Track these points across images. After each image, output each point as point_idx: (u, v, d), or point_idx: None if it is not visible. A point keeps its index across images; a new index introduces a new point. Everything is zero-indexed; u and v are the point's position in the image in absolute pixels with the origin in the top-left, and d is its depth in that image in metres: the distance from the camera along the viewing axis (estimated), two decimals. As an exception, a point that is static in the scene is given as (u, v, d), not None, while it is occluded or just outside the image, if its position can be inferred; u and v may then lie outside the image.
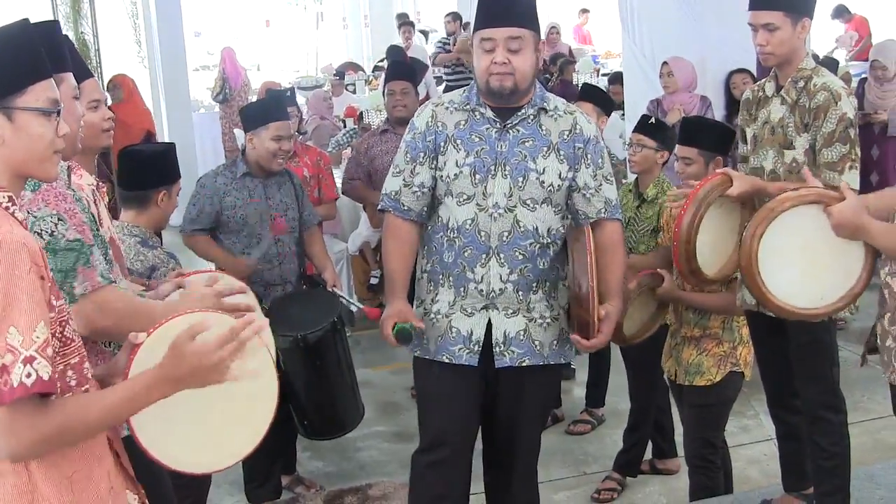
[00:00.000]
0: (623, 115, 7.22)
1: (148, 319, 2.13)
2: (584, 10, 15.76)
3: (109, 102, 7.57)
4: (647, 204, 4.05)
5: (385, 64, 10.46)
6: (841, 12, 11.96)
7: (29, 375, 1.67)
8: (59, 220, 2.23)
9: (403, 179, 3.12)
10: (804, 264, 2.90)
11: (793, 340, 3.41)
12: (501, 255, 3.04)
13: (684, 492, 3.92)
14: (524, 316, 3.09)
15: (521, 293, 3.07)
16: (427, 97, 9.31)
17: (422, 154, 3.10)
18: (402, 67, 6.13)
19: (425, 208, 3.13)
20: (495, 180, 3.02)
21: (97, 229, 2.39)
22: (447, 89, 10.23)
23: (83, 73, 2.63)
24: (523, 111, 3.05)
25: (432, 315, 3.12)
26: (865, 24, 11.79)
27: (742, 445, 4.59)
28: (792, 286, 2.92)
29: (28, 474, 1.78)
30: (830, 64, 7.43)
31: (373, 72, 12.86)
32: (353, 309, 4.64)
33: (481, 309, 3.08)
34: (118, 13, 10.65)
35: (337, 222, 6.52)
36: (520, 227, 3.03)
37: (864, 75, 7.32)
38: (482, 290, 3.06)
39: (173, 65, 9.84)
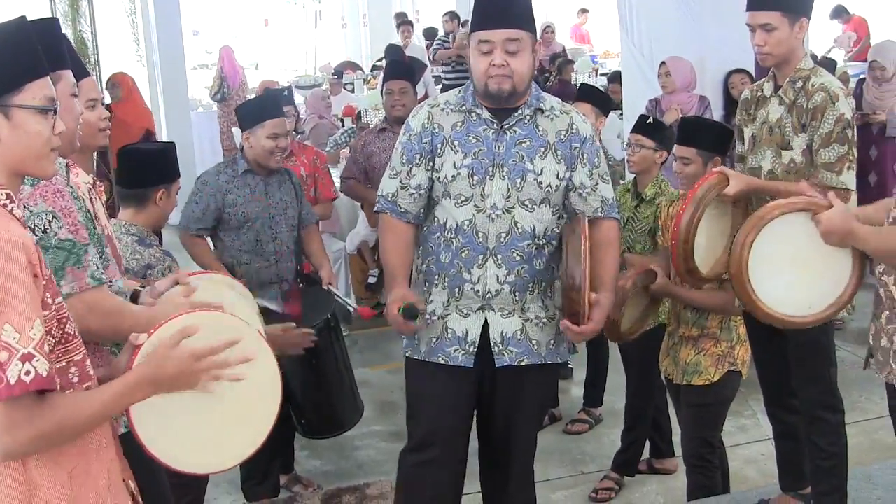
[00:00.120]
0: (621, 114, 7.22)
1: (132, 323, 2.14)
2: (583, 10, 15.78)
3: (108, 101, 7.57)
4: (645, 204, 4.05)
5: (383, 63, 10.48)
6: (839, 13, 11.96)
7: (28, 373, 1.68)
8: (53, 217, 2.22)
9: (400, 181, 3.11)
10: (793, 272, 2.91)
11: (791, 341, 3.41)
12: (499, 257, 3.03)
13: (682, 491, 3.92)
14: (520, 316, 3.09)
15: (517, 294, 3.06)
16: (426, 96, 9.32)
17: (418, 156, 3.09)
18: (400, 67, 6.14)
19: (422, 210, 3.13)
20: (493, 181, 3.01)
21: (93, 227, 2.38)
22: (445, 88, 10.22)
23: (81, 72, 2.62)
24: (520, 112, 3.04)
25: (427, 316, 3.11)
26: (864, 24, 11.78)
27: (739, 445, 4.60)
28: (781, 294, 2.93)
29: (26, 471, 1.78)
30: (829, 64, 7.43)
31: (371, 71, 12.87)
32: (350, 309, 4.64)
33: (477, 310, 3.07)
34: (116, 12, 10.63)
35: (335, 221, 6.52)
36: (517, 228, 3.03)
37: (862, 76, 7.32)
38: (478, 291, 3.05)
39: (171, 63, 9.82)
